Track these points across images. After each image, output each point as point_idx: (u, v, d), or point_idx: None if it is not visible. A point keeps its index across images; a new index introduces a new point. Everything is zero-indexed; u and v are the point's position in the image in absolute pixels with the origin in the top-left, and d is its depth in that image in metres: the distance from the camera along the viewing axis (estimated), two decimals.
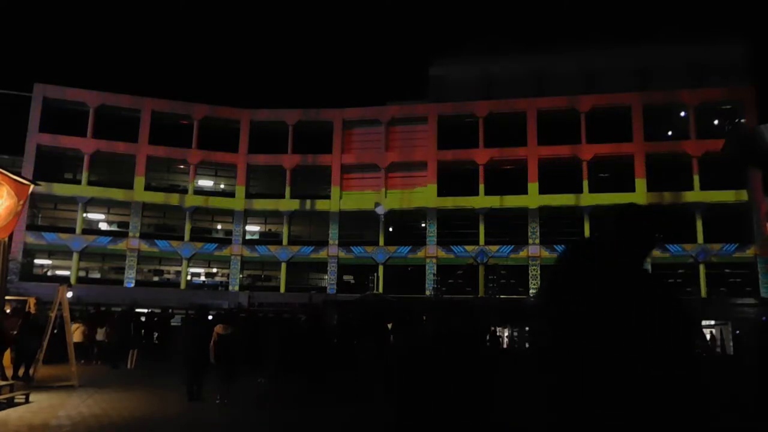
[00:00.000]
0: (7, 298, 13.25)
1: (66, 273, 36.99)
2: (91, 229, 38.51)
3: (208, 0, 72.96)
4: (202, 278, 40.28)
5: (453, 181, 37.92)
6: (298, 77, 74.40)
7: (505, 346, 27.72)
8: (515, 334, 29.73)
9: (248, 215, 40.29)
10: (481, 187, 37.25)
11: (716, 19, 63.50)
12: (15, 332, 14.74)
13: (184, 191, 39.57)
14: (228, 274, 39.36)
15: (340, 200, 39.07)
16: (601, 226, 2.41)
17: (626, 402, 1.99)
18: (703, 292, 33.34)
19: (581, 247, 2.47)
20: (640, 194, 35.08)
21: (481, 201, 36.99)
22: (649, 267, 2.38)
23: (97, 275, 38.88)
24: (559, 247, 35.13)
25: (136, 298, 34.12)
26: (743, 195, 33.91)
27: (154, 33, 76.39)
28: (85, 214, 38.21)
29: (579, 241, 2.62)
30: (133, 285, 37.18)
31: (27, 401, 10.99)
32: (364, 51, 79.74)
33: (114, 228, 39.17)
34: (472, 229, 36.86)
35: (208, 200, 39.79)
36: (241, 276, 39.33)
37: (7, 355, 13.90)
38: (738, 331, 29.43)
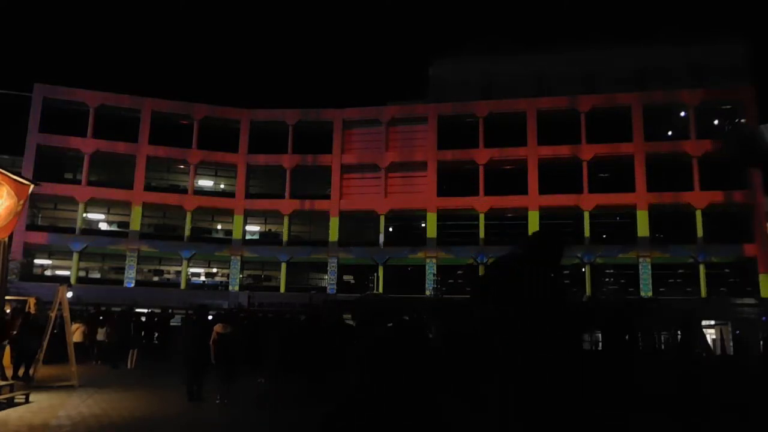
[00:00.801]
0: (7, 298, 13.26)
1: (66, 273, 36.99)
2: (91, 229, 38.51)
3: (208, 0, 72.98)
4: (202, 278, 40.29)
5: (453, 181, 37.92)
6: (298, 77, 74.42)
7: None
8: None
9: (248, 215, 40.28)
10: (481, 187, 37.25)
11: (716, 19, 63.54)
12: (15, 332, 14.75)
13: (184, 191, 39.55)
14: (228, 274, 39.36)
15: (339, 200, 39.08)
16: (519, 247, 3.09)
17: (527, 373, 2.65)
18: (703, 292, 33.34)
19: (501, 263, 3.12)
20: (640, 194, 35.11)
21: (481, 201, 36.98)
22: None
23: (97, 275, 38.88)
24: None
25: (136, 298, 34.13)
26: (743, 195, 33.86)
27: (154, 33, 76.41)
28: (85, 214, 38.21)
29: (500, 258, 3.26)
30: (133, 285, 37.18)
31: (27, 401, 11.00)
32: (364, 51, 79.77)
33: (114, 228, 39.18)
34: (472, 229, 36.84)
35: (209, 200, 39.78)
36: (241, 276, 39.33)
37: (7, 355, 13.92)
38: (738, 331, 29.41)
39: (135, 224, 38.13)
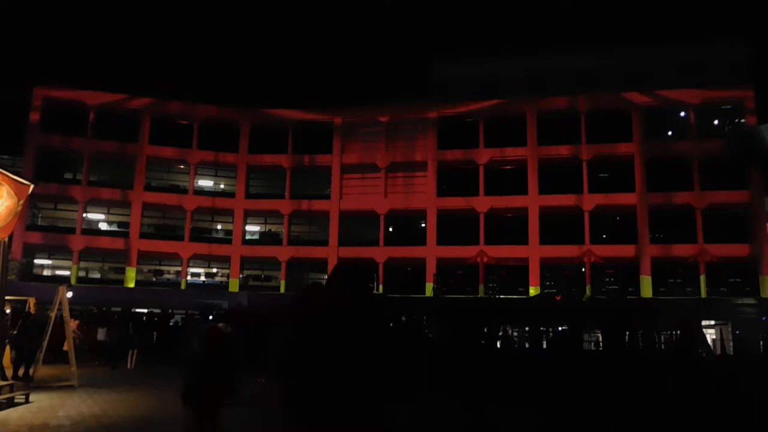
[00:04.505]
0: (7, 298, 13.29)
1: (66, 273, 36.97)
2: (91, 229, 38.50)
3: (208, 0, 72.98)
4: (202, 278, 40.27)
5: (453, 181, 37.92)
6: (298, 77, 74.42)
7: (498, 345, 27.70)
8: (515, 334, 29.74)
9: (248, 215, 40.28)
10: (481, 187, 37.24)
11: (716, 19, 63.59)
12: (15, 332, 14.77)
13: (184, 191, 39.55)
14: (228, 274, 39.35)
15: (339, 200, 39.08)
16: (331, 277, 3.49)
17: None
18: (703, 292, 33.32)
19: (312, 290, 3.73)
20: (640, 194, 35.12)
21: (481, 201, 36.96)
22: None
23: (97, 275, 38.87)
24: (560, 247, 35.43)
25: (136, 298, 34.16)
26: (743, 195, 33.84)
27: (154, 33, 76.40)
28: (85, 214, 38.19)
29: (311, 286, 4.02)
30: (133, 285, 37.16)
31: (27, 401, 11.01)
32: (364, 51, 79.76)
33: (114, 228, 39.16)
34: (472, 229, 36.81)
35: (208, 200, 39.78)
36: (241, 276, 39.33)
37: (7, 355, 13.93)
38: (738, 331, 29.40)
39: (135, 224, 38.11)
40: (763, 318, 30.19)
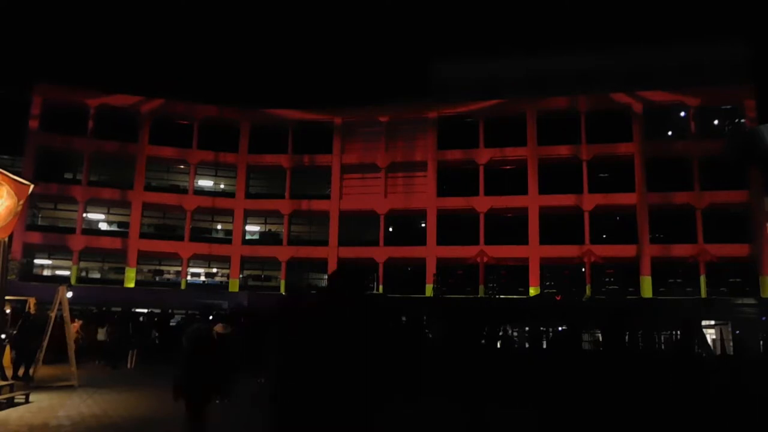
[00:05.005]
0: (7, 298, 13.29)
1: (66, 273, 36.98)
2: (91, 229, 38.50)
3: (208, 0, 72.97)
4: (202, 278, 40.27)
5: (453, 181, 37.92)
6: (298, 77, 74.40)
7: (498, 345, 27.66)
8: (515, 334, 29.73)
9: (248, 215, 40.29)
10: (481, 187, 37.24)
11: (716, 19, 63.60)
12: (15, 332, 14.79)
13: (184, 191, 39.56)
14: (228, 274, 39.36)
15: (339, 200, 39.09)
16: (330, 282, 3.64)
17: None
18: (703, 292, 33.33)
19: (299, 295, 4.28)
20: (640, 194, 35.12)
21: (481, 201, 36.96)
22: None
23: (97, 275, 38.87)
24: (560, 247, 35.45)
25: (136, 298, 34.16)
26: (743, 195, 33.84)
27: (154, 33, 76.40)
28: (85, 214, 38.20)
29: (298, 290, 4.58)
30: (133, 285, 37.17)
31: (27, 401, 11.02)
32: (364, 50, 79.75)
33: (114, 228, 39.17)
34: (472, 229, 36.81)
35: (208, 200, 39.79)
36: (241, 276, 39.33)
37: (7, 355, 13.95)
38: (738, 331, 29.39)
39: (135, 224, 38.13)
40: (763, 318, 30.18)
